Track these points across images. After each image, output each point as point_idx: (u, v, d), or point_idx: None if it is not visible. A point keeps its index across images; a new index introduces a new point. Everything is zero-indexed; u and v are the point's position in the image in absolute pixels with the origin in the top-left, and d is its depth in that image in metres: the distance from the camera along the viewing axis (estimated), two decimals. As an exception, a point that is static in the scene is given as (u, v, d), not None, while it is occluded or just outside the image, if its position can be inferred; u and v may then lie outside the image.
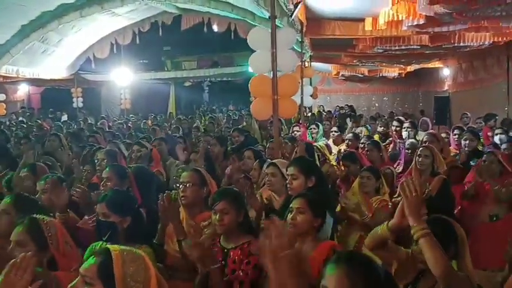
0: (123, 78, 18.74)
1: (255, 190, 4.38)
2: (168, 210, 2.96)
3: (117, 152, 4.92)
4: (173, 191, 4.35)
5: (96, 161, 4.77)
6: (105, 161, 4.58)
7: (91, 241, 3.01)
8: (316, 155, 4.96)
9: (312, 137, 8.09)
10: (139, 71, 21.56)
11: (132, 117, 16.27)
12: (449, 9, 6.02)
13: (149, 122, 13.85)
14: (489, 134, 7.79)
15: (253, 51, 4.77)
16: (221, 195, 2.92)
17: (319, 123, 8.55)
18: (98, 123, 12.69)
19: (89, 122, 13.65)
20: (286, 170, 3.44)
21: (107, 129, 10.79)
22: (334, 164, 5.78)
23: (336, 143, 7.38)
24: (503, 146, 5.27)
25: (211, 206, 2.89)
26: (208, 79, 25.53)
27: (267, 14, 8.61)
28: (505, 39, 9.68)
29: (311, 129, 8.19)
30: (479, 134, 6.51)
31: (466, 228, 4.47)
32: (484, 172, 4.43)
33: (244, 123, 10.37)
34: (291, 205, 2.77)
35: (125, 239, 2.86)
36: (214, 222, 2.83)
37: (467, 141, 5.64)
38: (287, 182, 3.30)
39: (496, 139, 6.99)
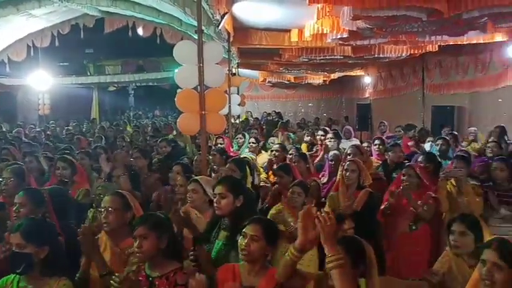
0: (41, 82, 17.70)
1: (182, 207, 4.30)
2: (87, 243, 2.78)
3: (24, 170, 4.49)
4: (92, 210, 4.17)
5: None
6: (12, 180, 4.17)
7: (2, 274, 2.77)
8: (249, 168, 4.91)
9: (239, 147, 8.05)
10: (59, 74, 20.50)
11: (52, 123, 15.42)
12: (370, 24, 6.25)
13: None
14: (409, 143, 8.18)
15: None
16: (141, 220, 2.79)
17: (245, 133, 8.53)
18: (13, 131, 11.88)
19: (3, 129, 12.76)
20: (213, 189, 3.36)
21: (23, 138, 10.13)
22: (264, 175, 5.78)
23: (253, 153, 7.35)
24: (419, 159, 5.50)
25: (132, 231, 2.75)
26: (133, 83, 24.83)
27: (194, 22, 8.54)
28: (420, 51, 10.24)
29: (237, 138, 8.14)
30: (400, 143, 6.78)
31: (389, 239, 4.71)
32: (404, 187, 4.61)
33: (175, 132, 10.13)
34: (244, 230, 2.68)
35: (41, 271, 2.67)
36: (134, 250, 2.69)
37: (392, 152, 5.85)
38: (215, 201, 3.22)
39: (427, 146, 7.33)
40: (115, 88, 24.76)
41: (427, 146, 7.33)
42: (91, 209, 4.14)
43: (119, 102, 27.93)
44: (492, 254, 2.13)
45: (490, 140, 7.27)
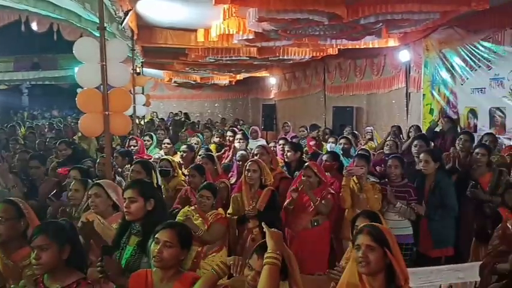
0: None
1: (77, 213, 4.08)
2: None
3: None
4: None
5: None
6: None
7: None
8: (153, 170, 4.78)
9: (146, 149, 7.84)
10: None
11: None
12: (275, 27, 6.41)
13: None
14: (311, 143, 8.49)
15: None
16: (40, 229, 2.59)
17: (152, 134, 8.32)
18: None
19: None
20: (123, 194, 3.21)
21: None
22: (183, 178, 5.67)
23: (168, 154, 7.24)
24: (324, 157, 5.72)
25: (30, 241, 2.55)
26: (28, 82, 23.13)
27: (93, 18, 8.13)
28: (322, 54, 10.70)
29: (144, 140, 7.91)
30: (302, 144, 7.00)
31: (292, 235, 4.85)
32: (304, 184, 4.78)
33: (79, 134, 9.56)
34: (157, 235, 2.59)
35: None
36: (32, 261, 2.49)
37: (289, 153, 6.01)
38: (125, 205, 3.08)
39: (328, 146, 7.63)
40: (6, 87, 22.90)
41: (328, 147, 7.64)
42: None
43: (11, 102, 25.89)
44: (365, 238, 2.35)
45: (387, 139, 7.77)
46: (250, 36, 7.10)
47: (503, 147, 6.90)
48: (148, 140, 7.76)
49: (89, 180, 4.25)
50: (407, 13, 5.82)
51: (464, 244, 5.25)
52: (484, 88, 7.63)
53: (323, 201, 4.74)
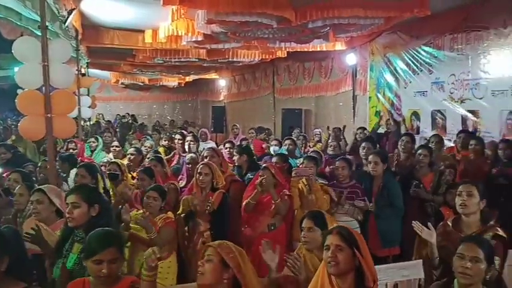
0: None
1: (21, 218, 3.91)
2: None
3: None
4: None
5: None
6: None
7: None
8: (99, 174, 4.63)
9: (91, 151, 7.60)
10: None
11: None
12: (224, 29, 6.38)
13: None
14: (263, 146, 8.53)
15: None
16: None
17: (98, 136, 8.07)
18: None
19: None
20: (65, 199, 3.09)
21: None
22: (132, 182, 5.53)
23: (116, 157, 7.06)
24: (274, 159, 5.75)
25: None
26: (-38, 82, 21.88)
27: (35, 16, 7.79)
28: (271, 56, 10.79)
29: (90, 142, 7.67)
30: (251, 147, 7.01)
31: (251, 239, 4.84)
32: (262, 186, 4.78)
33: (13, 137, 9.13)
34: (96, 257, 2.47)
35: None
36: None
37: (236, 157, 6.01)
38: (67, 211, 2.96)
39: (271, 149, 7.68)
40: None
41: (271, 150, 7.71)
42: None
43: None
44: (334, 238, 2.38)
45: (330, 140, 7.95)
46: (199, 38, 7.05)
47: (445, 148, 7.22)
48: (93, 142, 7.53)
49: (35, 185, 4.07)
50: (353, 18, 5.97)
51: (409, 242, 5.42)
52: (426, 91, 7.95)
53: (282, 202, 4.75)
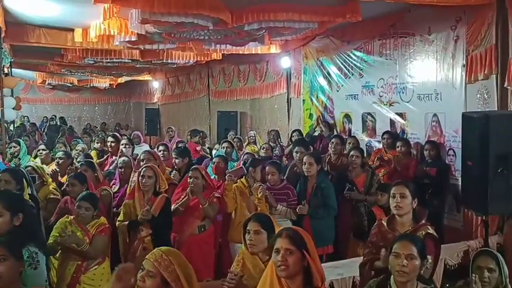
0: None
1: None
2: None
3: None
4: None
5: None
6: None
7: None
8: (25, 179, 4.37)
9: (14, 156, 7.17)
10: None
11: None
12: (159, 29, 6.26)
13: None
14: (197, 148, 8.46)
15: None
16: None
17: (20, 140, 7.64)
18: None
19: None
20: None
21: None
22: (54, 186, 5.27)
23: (44, 162, 6.72)
24: (215, 160, 5.82)
25: None
26: None
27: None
28: (206, 58, 10.74)
29: (11, 147, 7.24)
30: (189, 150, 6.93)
31: (180, 242, 4.78)
32: (192, 187, 4.75)
33: None
34: None
35: None
36: None
37: (177, 160, 5.93)
38: None
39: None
40: None
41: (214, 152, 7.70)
42: None
43: None
44: (284, 242, 2.38)
45: (263, 143, 8.04)
46: (133, 38, 6.85)
47: (374, 149, 7.51)
48: (15, 147, 7.11)
49: None
50: (289, 21, 6.04)
51: (342, 242, 5.60)
52: (357, 94, 8.21)
53: (210, 205, 4.75)
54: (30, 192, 4.16)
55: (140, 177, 4.55)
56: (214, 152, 7.75)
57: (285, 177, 5.51)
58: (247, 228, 3.00)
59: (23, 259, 2.50)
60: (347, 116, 8.55)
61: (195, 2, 5.34)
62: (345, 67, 8.43)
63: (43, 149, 6.98)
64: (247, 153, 6.83)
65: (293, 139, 8.06)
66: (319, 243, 5.17)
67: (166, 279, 2.29)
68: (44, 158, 6.82)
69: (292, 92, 10.19)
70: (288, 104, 10.40)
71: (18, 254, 2.45)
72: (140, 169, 4.69)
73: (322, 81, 9.12)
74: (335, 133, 8.25)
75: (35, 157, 7.06)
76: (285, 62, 10.08)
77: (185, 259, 2.43)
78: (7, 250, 2.39)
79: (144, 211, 4.33)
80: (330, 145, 6.65)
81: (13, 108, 8.94)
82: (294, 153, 6.19)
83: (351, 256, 5.08)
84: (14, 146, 7.17)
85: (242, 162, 6.23)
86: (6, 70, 9.97)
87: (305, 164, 5.27)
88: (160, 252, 2.38)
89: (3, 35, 7.21)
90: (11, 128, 12.05)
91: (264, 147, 7.29)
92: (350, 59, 8.28)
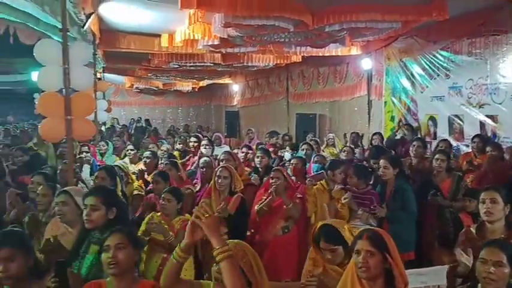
0: None
1: (44, 218, 3.93)
2: None
3: None
4: None
5: None
6: None
7: None
8: (118, 177, 4.66)
9: (102, 155, 7.65)
10: None
11: None
12: (241, 33, 6.39)
13: None
14: (271, 150, 8.50)
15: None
16: (3, 240, 2.47)
17: (108, 141, 8.14)
18: None
19: None
20: (84, 200, 3.11)
21: None
22: (138, 183, 5.56)
23: (132, 161, 7.11)
24: (293, 161, 5.79)
25: None
26: (-18, 87, 22.18)
27: (53, 21, 7.87)
28: (286, 61, 10.78)
29: (99, 146, 7.72)
30: (270, 151, 7.01)
31: (264, 242, 4.83)
32: (274, 188, 4.78)
33: (35, 139, 9.23)
34: (106, 243, 2.49)
35: None
36: None
37: (259, 158, 6.00)
38: (85, 213, 2.97)
39: (287, 155, 7.67)
40: (-43, 91, 21.94)
41: (286, 155, 7.68)
42: None
43: (-37, 107, 24.78)
44: (364, 243, 2.37)
45: (344, 146, 7.92)
46: (216, 42, 7.06)
47: (462, 153, 7.14)
48: (103, 146, 7.59)
49: (58, 185, 4.09)
50: (371, 22, 5.93)
51: (426, 249, 5.37)
52: (443, 96, 7.87)
53: (294, 205, 4.75)
54: (121, 189, 4.41)
55: (216, 177, 4.66)
56: (286, 154, 7.74)
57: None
58: (322, 247, 2.95)
59: (140, 249, 2.61)
60: (432, 119, 8.21)
61: (277, 5, 5.40)
62: (430, 68, 8.12)
63: (131, 149, 7.37)
64: (317, 155, 6.75)
65: (373, 142, 7.88)
66: (399, 249, 5.00)
67: (242, 268, 2.32)
68: (132, 157, 7.21)
69: (373, 94, 9.97)
70: (368, 106, 10.19)
71: (136, 243, 2.55)
72: (216, 169, 4.81)
73: (405, 83, 8.84)
74: (418, 136, 7.95)
75: (124, 156, 7.48)
76: (366, 64, 9.89)
77: (254, 251, 2.45)
78: (126, 238, 2.51)
79: (220, 208, 4.41)
80: (411, 148, 6.40)
81: (105, 111, 9.56)
82: (372, 162, 6.07)
83: (435, 264, 4.86)
84: (102, 146, 7.67)
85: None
86: (99, 75, 10.68)
87: (380, 167, 5.14)
88: (234, 243, 2.42)
89: (97, 41, 7.73)
90: (102, 129, 12.86)
91: (345, 150, 7.18)
92: (436, 59, 7.96)
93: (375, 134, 8.32)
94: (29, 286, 2.44)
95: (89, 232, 2.98)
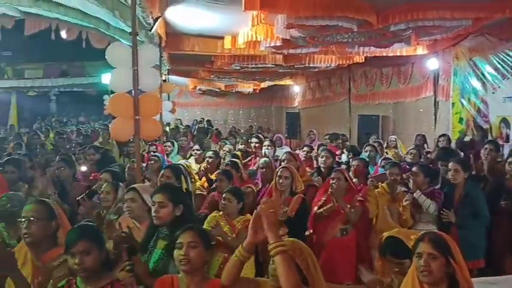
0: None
1: (107, 215, 4.10)
2: (1, 261, 2.57)
3: None
4: None
5: None
6: None
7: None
8: (183, 177, 4.78)
9: (167, 155, 7.86)
10: (-27, 77, 19.07)
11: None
12: (303, 33, 6.38)
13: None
14: (337, 152, 8.40)
15: (106, 61, 4.46)
16: (80, 234, 2.59)
17: (173, 141, 8.36)
18: None
19: None
20: (152, 197, 3.22)
21: None
22: (200, 183, 5.68)
23: (197, 161, 7.27)
24: (354, 162, 5.71)
25: (67, 247, 2.54)
26: (56, 89, 23.56)
27: (122, 25, 8.21)
28: (348, 61, 10.63)
29: (165, 146, 7.95)
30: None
31: (321, 243, 4.79)
32: (334, 190, 4.72)
33: (101, 139, 9.70)
34: (179, 240, 2.56)
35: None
36: (73, 267, 2.50)
37: (323, 159, 5.95)
38: (154, 210, 3.08)
39: (343, 157, 7.57)
40: (36, 93, 23.41)
41: (343, 157, 7.56)
42: None
43: (39, 108, 26.41)
44: (426, 246, 2.29)
45: (410, 148, 7.68)
46: (278, 43, 7.08)
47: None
48: (169, 146, 7.79)
49: (120, 184, 4.27)
50: (439, 20, 5.73)
51: (498, 257, 5.10)
52: (517, 97, 7.46)
53: (352, 209, 4.68)
54: (186, 187, 4.52)
55: (277, 178, 4.67)
56: (343, 156, 7.61)
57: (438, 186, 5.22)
58: (388, 260, 2.85)
59: (211, 249, 2.66)
60: (504, 120, 7.80)
61: (340, 5, 5.34)
62: (503, 67, 7.72)
63: (197, 149, 7.50)
64: (383, 158, 6.59)
65: (440, 144, 7.60)
66: (469, 256, 4.77)
67: (298, 266, 2.31)
68: (197, 157, 7.37)
69: (439, 95, 9.61)
70: (434, 108, 9.83)
71: (207, 243, 2.60)
72: (277, 169, 4.81)
73: (475, 83, 8.46)
74: (489, 138, 7.57)
75: (189, 156, 7.66)
76: (432, 64, 9.57)
77: (310, 250, 2.44)
78: (198, 237, 2.56)
79: (281, 212, 4.42)
80: (482, 151, 6.11)
81: (169, 112, 9.85)
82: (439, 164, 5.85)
83: (509, 273, 4.61)
84: (168, 146, 7.88)
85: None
86: (164, 77, 11.02)
87: (450, 170, 4.95)
88: (290, 241, 2.42)
89: (163, 44, 7.98)
90: (167, 129, 13.24)
91: (411, 153, 6.97)
92: (509, 58, 7.56)
93: (441, 135, 8.01)
94: (100, 278, 2.55)
95: (158, 228, 3.08)
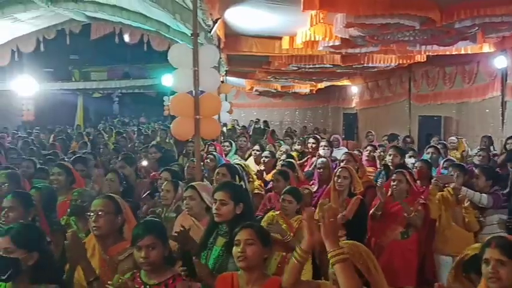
0: (26, 88, 17.30)
1: (167, 213, 4.21)
2: (74, 249, 2.69)
3: (18, 175, 4.43)
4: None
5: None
6: (6, 185, 4.09)
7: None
8: (238, 176, 4.84)
9: (225, 155, 7.95)
10: (44, 80, 20.16)
11: (36, 129, 15.10)
12: (363, 32, 6.27)
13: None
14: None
15: (167, 64, 4.58)
16: (146, 229, 2.69)
17: (231, 141, 8.45)
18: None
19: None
20: (213, 195, 3.27)
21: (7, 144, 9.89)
22: (258, 183, 5.71)
23: (256, 161, 7.30)
24: (417, 164, 5.56)
25: (134, 240, 2.65)
26: (119, 90, 24.56)
27: (182, 28, 8.42)
28: (409, 61, 10.35)
29: (224, 146, 8.05)
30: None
31: (381, 246, 4.68)
32: (395, 192, 4.61)
33: (159, 138, 10.00)
34: (237, 237, 2.60)
35: (30, 278, 2.54)
36: (139, 260, 2.60)
37: (391, 157, 5.81)
38: (215, 207, 3.13)
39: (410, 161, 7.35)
40: (100, 94, 24.50)
41: (409, 161, 7.33)
42: (63, 217, 3.99)
43: (103, 109, 27.62)
44: (494, 252, 2.20)
45: (478, 149, 7.34)
46: (337, 43, 6.99)
47: None
48: (227, 146, 7.88)
49: (180, 182, 4.38)
50: (508, 16, 5.45)
51: None
52: None
53: (416, 213, 4.53)
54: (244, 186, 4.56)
55: (336, 177, 4.62)
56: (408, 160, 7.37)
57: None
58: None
59: (270, 247, 2.68)
60: None
61: (402, 2, 5.21)
62: None
63: (257, 150, 7.54)
64: (446, 160, 6.35)
65: (508, 147, 7.23)
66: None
67: (358, 270, 2.28)
68: (256, 158, 7.40)
69: (508, 95, 9.15)
70: (502, 108, 9.37)
71: (265, 241, 2.62)
72: (336, 169, 4.76)
73: (548, 82, 7.98)
74: None
75: (249, 156, 7.72)
76: (500, 62, 9.12)
77: (369, 252, 2.40)
78: (255, 234, 2.60)
79: (339, 217, 4.36)
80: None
81: (227, 112, 9.98)
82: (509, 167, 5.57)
83: None
84: (227, 146, 7.98)
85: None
86: (222, 78, 11.19)
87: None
88: (349, 244, 2.39)
89: (221, 45, 8.10)
90: (224, 129, 13.42)
91: (480, 155, 6.68)
92: None
93: (510, 137, 7.61)
94: (163, 272, 2.63)
95: (218, 225, 3.13)
